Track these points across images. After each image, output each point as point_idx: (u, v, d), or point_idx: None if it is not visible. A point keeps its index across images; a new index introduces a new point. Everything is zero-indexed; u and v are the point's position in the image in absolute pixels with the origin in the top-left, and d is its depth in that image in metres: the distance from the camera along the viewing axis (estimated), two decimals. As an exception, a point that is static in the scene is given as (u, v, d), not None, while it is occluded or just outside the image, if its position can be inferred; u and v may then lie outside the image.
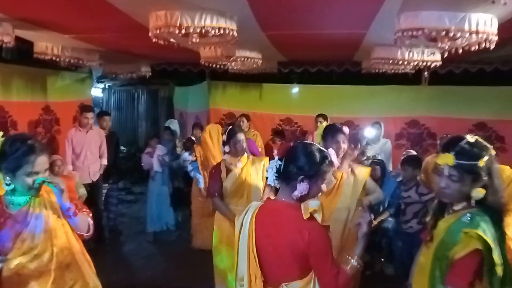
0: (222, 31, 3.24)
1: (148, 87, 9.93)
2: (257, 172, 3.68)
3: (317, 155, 1.90)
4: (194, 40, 3.43)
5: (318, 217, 1.81)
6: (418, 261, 2.04)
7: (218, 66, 5.37)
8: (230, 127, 3.74)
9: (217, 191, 3.53)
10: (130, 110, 10.46)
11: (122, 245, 5.70)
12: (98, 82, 9.00)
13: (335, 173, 3.00)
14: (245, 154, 3.66)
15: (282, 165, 1.92)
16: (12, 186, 1.97)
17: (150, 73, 7.05)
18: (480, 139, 1.83)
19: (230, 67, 5.70)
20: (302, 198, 1.89)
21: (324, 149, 1.99)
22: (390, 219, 4.45)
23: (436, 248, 1.84)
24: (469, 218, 1.76)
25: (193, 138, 6.30)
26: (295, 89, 7.62)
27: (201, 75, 7.58)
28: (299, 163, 1.88)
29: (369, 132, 5.89)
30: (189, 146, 5.96)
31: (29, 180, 1.94)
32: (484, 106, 6.49)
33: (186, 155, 5.88)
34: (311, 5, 3.31)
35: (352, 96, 7.03)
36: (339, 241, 2.90)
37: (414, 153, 5.03)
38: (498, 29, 3.11)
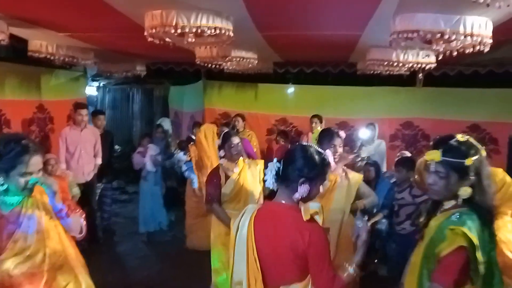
0: (218, 31, 3.24)
1: (143, 86, 9.89)
2: (253, 176, 3.68)
3: (317, 157, 1.91)
4: (189, 40, 3.41)
5: (319, 219, 1.82)
6: (410, 261, 2.05)
7: (213, 66, 5.36)
8: (225, 131, 3.74)
9: (217, 198, 3.50)
10: (125, 109, 10.40)
11: (116, 245, 5.67)
12: (93, 80, 8.94)
13: (328, 175, 3.01)
14: (241, 158, 3.65)
15: (281, 167, 1.92)
16: (5, 186, 1.96)
17: (145, 72, 7.03)
18: (471, 139, 1.85)
19: (225, 67, 5.70)
20: (302, 200, 1.90)
21: (322, 151, 2.00)
22: (383, 220, 4.46)
23: (425, 246, 1.87)
24: (457, 217, 1.78)
25: (193, 137, 6.28)
26: (291, 89, 7.64)
27: (197, 74, 7.57)
28: (300, 166, 1.88)
29: (363, 133, 5.91)
30: (184, 146, 5.94)
31: (23, 181, 1.93)
32: (478, 108, 6.53)
33: (180, 155, 5.87)
34: (307, 6, 3.31)
35: (347, 97, 7.05)
36: (334, 243, 2.91)
37: (408, 154, 5.05)
38: (493, 32, 3.13)
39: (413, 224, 3.93)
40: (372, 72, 5.46)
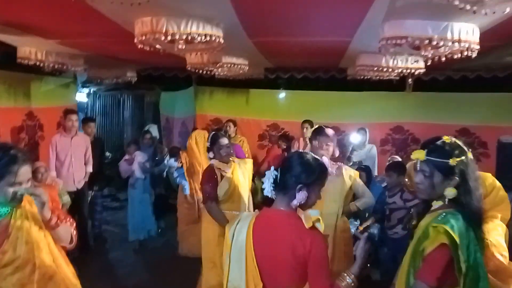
0: (208, 38, 3.24)
1: (134, 92, 9.85)
2: (244, 175, 3.69)
3: (313, 163, 1.93)
4: (180, 46, 3.41)
5: (320, 226, 1.82)
6: (401, 263, 2.07)
7: (204, 72, 5.36)
8: (213, 132, 3.72)
9: (214, 196, 3.48)
10: (115, 115, 10.35)
11: (107, 253, 5.62)
12: (83, 87, 8.89)
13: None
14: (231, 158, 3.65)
15: (279, 175, 1.93)
16: (-7, 196, 1.93)
17: (136, 78, 7.01)
18: (458, 141, 1.89)
19: (216, 73, 5.70)
20: (301, 207, 1.91)
21: (319, 158, 2.01)
22: (375, 225, 4.47)
23: (413, 246, 1.90)
24: (442, 216, 1.81)
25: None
26: (282, 95, 7.66)
27: (188, 80, 7.57)
28: (297, 172, 1.89)
29: (354, 138, 5.94)
30: (175, 152, 5.91)
31: (11, 191, 1.90)
32: (467, 112, 6.61)
33: (172, 161, 5.83)
34: (297, 13, 3.33)
35: (337, 102, 7.09)
36: (330, 249, 2.92)
37: (399, 159, 5.08)
38: (480, 38, 3.18)
39: (405, 228, 3.96)
40: (362, 77, 5.49)
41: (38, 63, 4.83)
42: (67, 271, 2.17)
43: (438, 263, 1.75)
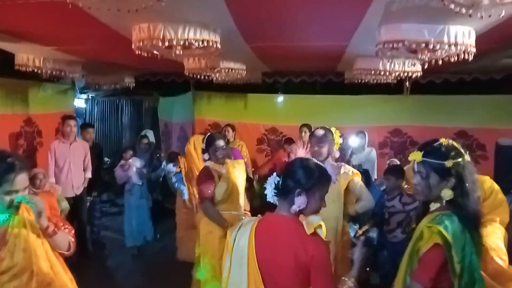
0: (205, 44, 3.26)
1: (132, 98, 9.86)
2: (239, 176, 3.67)
3: (314, 168, 1.92)
4: (177, 52, 3.42)
5: (322, 232, 1.82)
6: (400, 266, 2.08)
7: (202, 77, 5.38)
8: (209, 134, 3.69)
9: (210, 195, 3.44)
10: (114, 121, 10.35)
11: (106, 259, 5.60)
12: (81, 92, 8.90)
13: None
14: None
15: (281, 181, 1.93)
16: (-10, 204, 1.93)
17: (134, 84, 7.01)
18: (455, 144, 1.91)
19: (214, 78, 5.71)
20: (301, 213, 1.90)
21: (321, 164, 2.00)
22: (374, 228, 4.47)
23: (410, 247, 1.93)
24: (438, 217, 1.83)
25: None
26: (280, 99, 7.67)
27: (186, 85, 7.57)
28: (296, 177, 1.89)
29: (353, 141, 5.94)
30: (173, 157, 5.90)
31: (8, 199, 1.90)
32: (465, 115, 6.62)
33: (170, 166, 5.81)
34: (293, 17, 3.35)
35: (335, 106, 7.10)
36: (332, 254, 2.91)
37: (398, 162, 5.09)
38: (476, 40, 3.19)
39: (404, 232, 3.95)
40: (359, 81, 5.50)
41: (35, 70, 4.85)
42: (65, 278, 2.16)
43: (432, 263, 1.76)
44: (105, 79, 6.75)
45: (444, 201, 1.86)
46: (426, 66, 3.74)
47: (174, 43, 3.14)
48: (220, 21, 3.25)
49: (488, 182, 2.40)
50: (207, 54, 3.75)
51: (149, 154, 6.16)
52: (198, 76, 5.06)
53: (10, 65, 4.83)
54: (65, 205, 4.55)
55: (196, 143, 4.76)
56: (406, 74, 4.60)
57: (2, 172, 1.89)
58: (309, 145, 3.30)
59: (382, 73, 4.57)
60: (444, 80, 6.55)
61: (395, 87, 6.37)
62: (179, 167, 5.35)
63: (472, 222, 1.83)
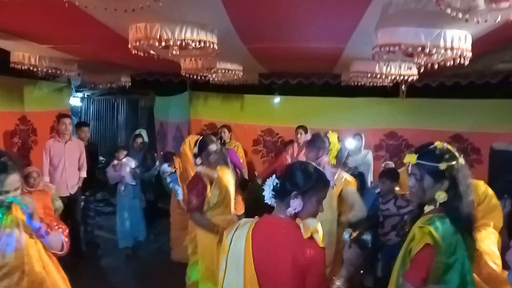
0: (202, 44, 3.25)
1: (128, 97, 9.83)
2: (229, 180, 3.66)
3: (311, 171, 1.92)
4: (174, 52, 3.41)
5: (318, 237, 1.82)
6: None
7: (199, 77, 5.37)
8: (201, 138, 3.64)
9: (199, 206, 3.38)
10: (109, 120, 10.32)
11: (100, 259, 5.58)
12: (77, 91, 8.86)
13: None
14: None
15: (279, 183, 1.93)
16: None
17: (130, 83, 6.99)
18: (450, 147, 1.94)
19: (211, 79, 5.70)
20: (297, 216, 1.90)
21: (320, 168, 2.00)
22: (368, 231, 4.48)
23: (403, 248, 1.95)
24: (430, 219, 1.86)
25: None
26: (276, 100, 7.67)
27: (182, 85, 7.56)
28: (293, 179, 1.90)
29: (350, 143, 5.95)
30: (168, 157, 5.88)
31: None
32: (460, 119, 6.64)
33: (165, 166, 5.79)
34: (291, 19, 3.35)
35: (332, 108, 7.10)
36: (327, 256, 2.92)
37: (393, 165, 5.10)
38: (472, 45, 3.20)
39: (398, 235, 3.97)
40: (356, 83, 5.51)
41: (31, 68, 4.82)
42: (57, 278, 2.15)
43: (423, 263, 1.78)
44: (101, 78, 6.73)
45: (438, 203, 1.88)
46: (422, 70, 3.74)
47: (171, 43, 3.13)
48: (217, 21, 3.25)
49: (482, 187, 2.42)
50: (204, 54, 3.74)
51: (142, 154, 6.11)
52: (195, 76, 5.05)
53: (6, 63, 4.81)
54: (59, 204, 4.53)
55: (191, 144, 4.74)
56: (402, 77, 4.61)
57: None
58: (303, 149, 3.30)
59: (379, 76, 4.58)
60: (440, 84, 6.56)
61: (391, 90, 6.38)
62: (174, 167, 5.34)
63: (465, 225, 1.85)
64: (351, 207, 3.25)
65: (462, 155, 1.94)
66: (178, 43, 3.14)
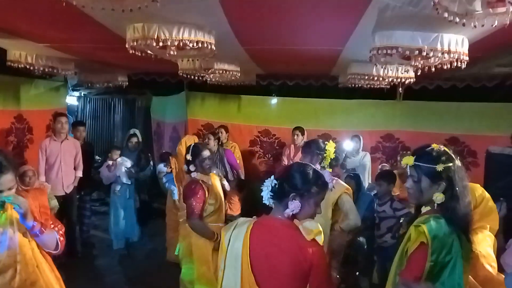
0: (200, 45, 3.25)
1: (124, 96, 9.79)
2: (219, 186, 3.64)
3: (310, 173, 1.92)
4: (171, 53, 3.41)
5: (320, 238, 1.82)
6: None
7: (196, 78, 5.36)
8: (193, 144, 3.59)
9: (200, 212, 3.28)
10: (106, 119, 10.28)
11: (95, 259, 5.55)
12: (74, 90, 8.82)
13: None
14: None
15: (277, 184, 1.93)
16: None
17: (127, 83, 6.97)
18: (446, 149, 1.97)
19: (208, 79, 5.70)
20: (296, 217, 1.90)
21: (319, 170, 2.00)
22: (364, 233, 4.49)
23: (400, 248, 1.97)
24: (426, 218, 1.88)
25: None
26: (273, 101, 7.67)
27: (179, 85, 7.55)
28: (291, 181, 1.90)
29: (348, 145, 5.96)
30: (165, 157, 5.87)
31: None
32: (456, 122, 6.67)
33: (161, 166, 5.78)
34: (288, 21, 3.35)
35: (329, 109, 7.12)
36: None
37: (389, 167, 5.11)
38: (469, 49, 3.22)
39: (394, 237, 3.97)
40: (353, 85, 5.53)
41: (28, 66, 4.79)
42: (51, 277, 2.15)
43: (418, 262, 1.80)
44: (98, 77, 6.70)
45: (435, 204, 1.91)
46: (419, 73, 3.76)
47: (169, 43, 3.13)
48: (215, 23, 3.24)
49: (479, 190, 2.42)
50: (201, 55, 3.74)
51: (136, 154, 6.08)
52: (192, 77, 5.05)
53: (2, 61, 4.79)
54: (55, 203, 4.51)
55: (187, 144, 4.74)
56: (399, 79, 4.63)
57: None
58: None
59: (376, 78, 4.60)
60: (436, 87, 6.59)
61: (388, 92, 6.40)
62: (170, 167, 5.33)
63: (461, 226, 1.87)
64: (346, 216, 3.24)
65: (458, 157, 1.96)
66: (176, 43, 3.14)
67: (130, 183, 5.67)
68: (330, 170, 3.41)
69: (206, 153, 3.45)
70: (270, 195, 1.94)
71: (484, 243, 2.35)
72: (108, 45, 4.28)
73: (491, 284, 2.24)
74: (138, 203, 5.99)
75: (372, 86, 5.51)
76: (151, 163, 6.32)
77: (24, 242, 2.03)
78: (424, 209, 1.98)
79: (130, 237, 5.78)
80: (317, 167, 3.28)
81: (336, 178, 3.33)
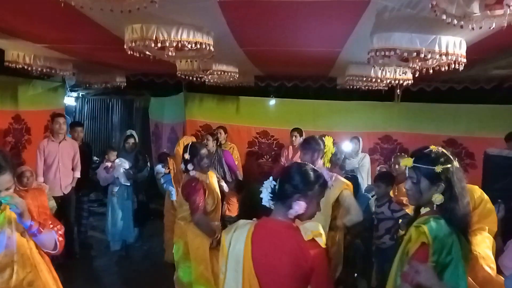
0: (198, 46, 3.25)
1: (123, 97, 9.79)
2: (216, 185, 3.64)
3: (311, 173, 1.93)
4: (170, 53, 3.41)
5: (321, 240, 1.82)
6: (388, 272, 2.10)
7: (194, 79, 5.35)
8: (191, 143, 3.59)
9: (204, 207, 3.29)
10: (104, 120, 10.27)
11: (93, 260, 5.54)
12: (72, 91, 8.81)
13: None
14: None
15: (277, 185, 1.92)
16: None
17: (125, 84, 6.96)
18: (444, 151, 1.97)
19: (207, 80, 5.70)
20: (299, 217, 1.90)
21: (318, 169, 2.01)
22: (363, 234, 4.49)
23: (400, 249, 1.98)
24: (426, 219, 1.89)
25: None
26: (272, 102, 7.68)
27: (178, 86, 7.55)
28: (295, 182, 1.89)
29: (347, 146, 5.96)
30: (163, 158, 5.86)
31: None
32: (454, 123, 6.69)
33: (159, 167, 5.76)
34: (287, 23, 3.35)
35: (327, 111, 7.13)
36: None
37: (388, 169, 5.11)
38: (467, 51, 3.23)
39: (392, 239, 3.97)
40: (351, 87, 5.53)
41: (26, 67, 4.79)
42: (48, 277, 2.14)
43: (419, 262, 1.78)
44: (96, 78, 6.69)
45: (434, 205, 1.91)
46: (417, 74, 3.77)
47: (167, 44, 3.12)
48: (214, 24, 3.25)
49: (478, 192, 2.43)
50: (200, 56, 3.73)
51: (134, 155, 6.06)
52: (190, 78, 5.04)
53: (0, 62, 4.78)
54: (53, 204, 4.50)
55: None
56: (397, 81, 4.64)
57: None
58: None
59: (374, 80, 4.60)
60: (434, 89, 6.61)
61: (386, 94, 6.42)
62: (168, 168, 5.32)
63: (460, 226, 1.88)
64: (347, 212, 3.24)
65: (456, 159, 1.97)
66: (174, 44, 3.14)
67: (129, 184, 5.65)
68: (329, 165, 3.43)
69: (204, 151, 3.45)
70: (270, 197, 1.93)
71: (483, 244, 2.36)
72: (106, 46, 4.28)
73: (490, 286, 2.24)
74: (135, 204, 5.97)
75: (370, 88, 5.52)
76: (148, 164, 6.31)
77: (22, 241, 2.02)
78: (423, 210, 1.99)
79: (127, 238, 5.75)
80: (320, 163, 3.30)
81: (335, 174, 3.33)
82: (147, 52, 3.51)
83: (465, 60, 3.22)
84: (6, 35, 3.96)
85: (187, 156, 3.44)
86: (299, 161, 2.92)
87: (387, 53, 3.11)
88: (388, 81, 4.63)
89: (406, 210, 3.91)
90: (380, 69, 4.38)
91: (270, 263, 1.84)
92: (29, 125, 6.38)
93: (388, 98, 6.89)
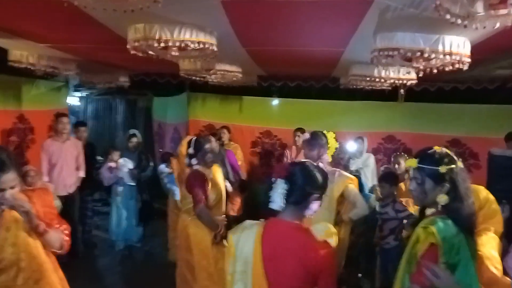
0: (201, 46, 3.25)
1: (126, 97, 9.80)
2: (221, 178, 3.64)
3: (321, 173, 1.95)
4: (173, 53, 3.42)
5: (333, 240, 1.83)
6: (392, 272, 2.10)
7: (197, 78, 5.35)
8: (195, 138, 3.61)
9: (205, 199, 3.28)
10: (107, 120, 10.29)
11: (97, 259, 5.56)
12: (75, 90, 8.84)
13: None
14: None
15: (290, 187, 1.89)
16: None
17: (128, 84, 6.97)
18: (448, 151, 1.97)
19: (210, 80, 5.70)
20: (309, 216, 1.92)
21: (320, 166, 2.04)
22: (366, 234, 4.48)
23: (407, 250, 1.97)
24: (433, 219, 1.88)
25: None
26: (275, 102, 7.68)
27: (181, 86, 7.56)
28: (313, 182, 1.90)
29: (351, 146, 5.94)
30: (166, 158, 5.86)
31: None
32: (458, 123, 6.66)
33: (162, 167, 5.76)
34: (290, 23, 3.35)
35: (330, 111, 7.10)
36: None
37: (392, 169, 5.09)
38: (471, 51, 3.21)
39: (397, 239, 3.95)
40: (354, 87, 5.52)
41: (29, 67, 4.81)
42: (54, 277, 2.15)
43: (429, 263, 1.77)
44: (99, 77, 6.70)
45: (439, 206, 1.91)
46: (420, 74, 3.76)
47: (170, 44, 3.13)
48: (217, 24, 3.25)
49: (483, 192, 2.42)
50: (203, 56, 3.74)
51: (137, 154, 6.07)
52: (194, 77, 5.05)
53: (4, 61, 4.79)
54: (57, 203, 4.48)
55: (187, 144, 4.74)
56: (400, 81, 4.62)
57: None
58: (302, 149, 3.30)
59: (377, 80, 4.59)
60: (438, 88, 6.59)
61: (389, 94, 6.40)
62: (171, 168, 5.32)
63: (466, 226, 1.87)
64: (353, 205, 3.25)
65: (460, 159, 1.97)
66: (177, 44, 3.15)
67: (133, 183, 5.66)
68: (331, 160, 3.43)
69: (208, 146, 3.47)
70: (286, 199, 1.88)
71: (489, 245, 2.35)
72: (109, 45, 4.29)
73: (495, 286, 2.23)
74: (139, 203, 5.98)
75: (373, 88, 5.50)
76: (151, 163, 6.31)
77: (29, 240, 2.03)
78: (428, 211, 1.99)
79: (131, 238, 5.76)
80: (325, 157, 3.31)
81: (338, 170, 3.33)
82: (150, 52, 3.52)
83: (469, 60, 3.20)
84: (9, 35, 3.98)
85: (191, 150, 3.47)
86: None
87: (390, 52, 3.10)
88: (392, 81, 4.62)
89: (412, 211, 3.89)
90: (383, 69, 4.37)
91: (280, 264, 1.84)
92: (33, 125, 6.40)
93: (392, 98, 6.87)
